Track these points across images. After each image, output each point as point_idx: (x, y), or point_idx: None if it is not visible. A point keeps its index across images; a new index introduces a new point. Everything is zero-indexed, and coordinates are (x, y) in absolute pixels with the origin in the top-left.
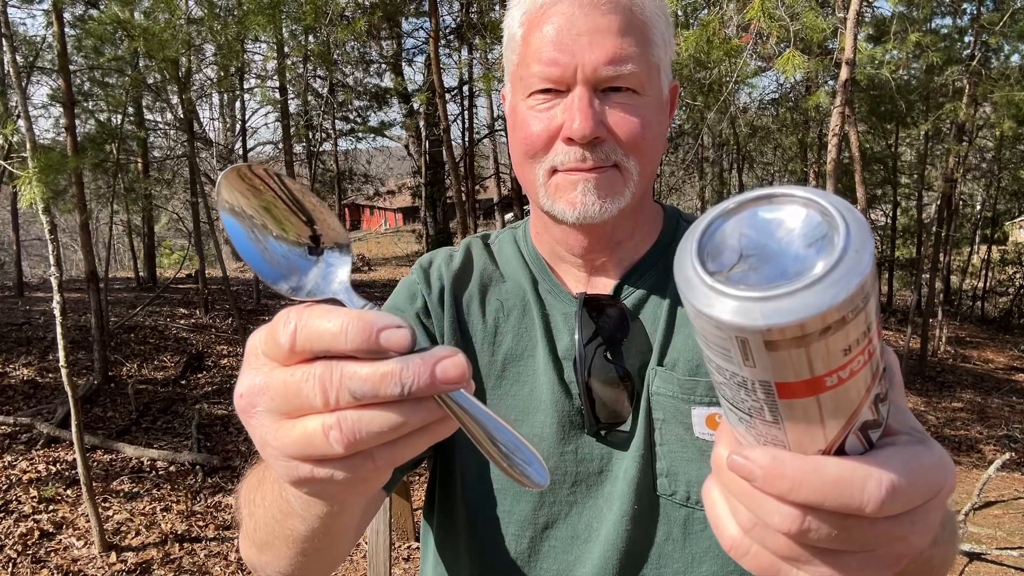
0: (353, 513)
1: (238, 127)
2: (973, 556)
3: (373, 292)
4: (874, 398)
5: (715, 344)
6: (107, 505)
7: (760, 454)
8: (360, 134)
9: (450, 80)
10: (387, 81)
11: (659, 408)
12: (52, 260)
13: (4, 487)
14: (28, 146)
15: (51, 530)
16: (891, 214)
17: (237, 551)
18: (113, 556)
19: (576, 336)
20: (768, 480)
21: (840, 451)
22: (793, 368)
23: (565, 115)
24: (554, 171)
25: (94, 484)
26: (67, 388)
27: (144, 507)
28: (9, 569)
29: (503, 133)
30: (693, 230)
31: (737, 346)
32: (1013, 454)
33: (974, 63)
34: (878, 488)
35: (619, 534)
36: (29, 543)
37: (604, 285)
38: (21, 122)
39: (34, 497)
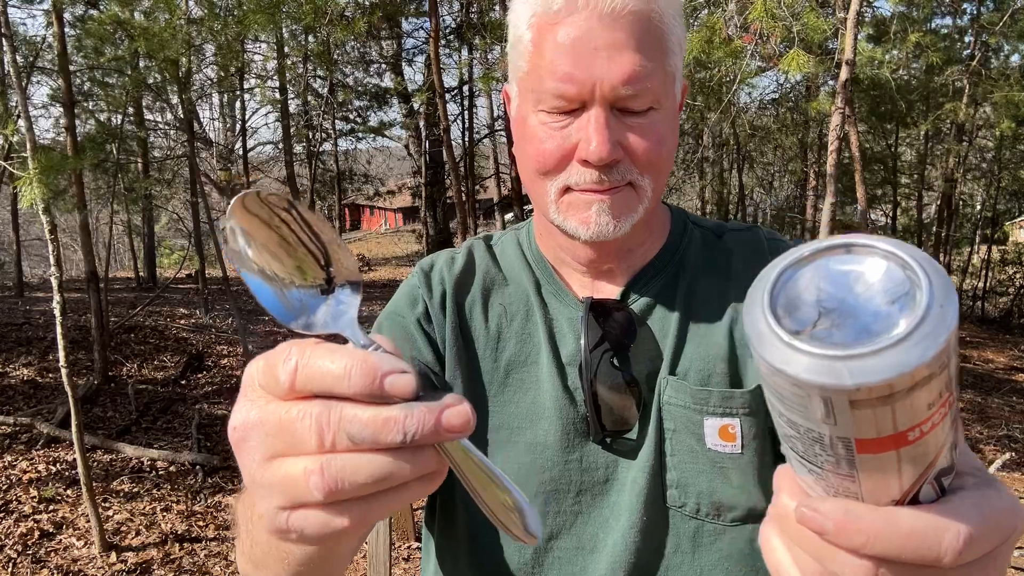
0: (350, 543)
1: (238, 127)
2: None
3: (373, 292)
4: (950, 446)
5: (791, 401)
6: (107, 505)
7: (832, 507)
8: (360, 134)
9: (450, 80)
10: (387, 81)
11: (670, 418)
12: (52, 260)
13: (4, 487)
14: (28, 146)
15: (51, 530)
16: (891, 214)
17: None
18: (113, 556)
19: (582, 341)
20: (841, 534)
21: (914, 499)
22: (876, 425)
23: (581, 135)
24: (567, 189)
25: (94, 484)
26: (67, 388)
27: (144, 507)
28: (9, 569)
29: (503, 133)
30: (763, 280)
31: (819, 404)
32: (1013, 454)
33: (974, 63)
34: (955, 539)
35: (627, 545)
36: (29, 543)
37: (610, 290)
38: (21, 122)
39: (34, 497)
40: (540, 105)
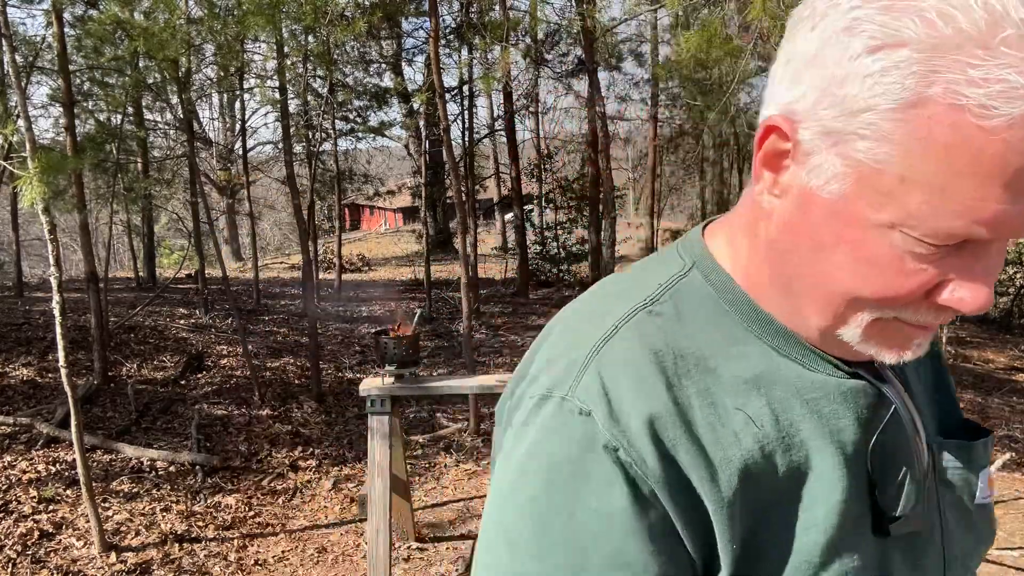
0: None
1: (238, 127)
2: None
3: (373, 292)
4: None
5: None
6: (107, 505)
7: None
8: (360, 134)
9: (450, 80)
10: (387, 81)
11: (949, 484)
12: (52, 260)
13: (4, 487)
14: (28, 146)
15: (51, 530)
16: None
17: (237, 551)
18: (113, 556)
19: (910, 412)
20: None
21: None
22: None
23: (956, 276)
24: (892, 319)
25: (94, 484)
26: (67, 388)
27: (144, 507)
28: (9, 569)
29: (503, 133)
30: None
31: None
32: (1013, 454)
33: None
34: None
35: None
36: (29, 543)
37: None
38: (21, 122)
39: (34, 497)
40: (913, 231)
